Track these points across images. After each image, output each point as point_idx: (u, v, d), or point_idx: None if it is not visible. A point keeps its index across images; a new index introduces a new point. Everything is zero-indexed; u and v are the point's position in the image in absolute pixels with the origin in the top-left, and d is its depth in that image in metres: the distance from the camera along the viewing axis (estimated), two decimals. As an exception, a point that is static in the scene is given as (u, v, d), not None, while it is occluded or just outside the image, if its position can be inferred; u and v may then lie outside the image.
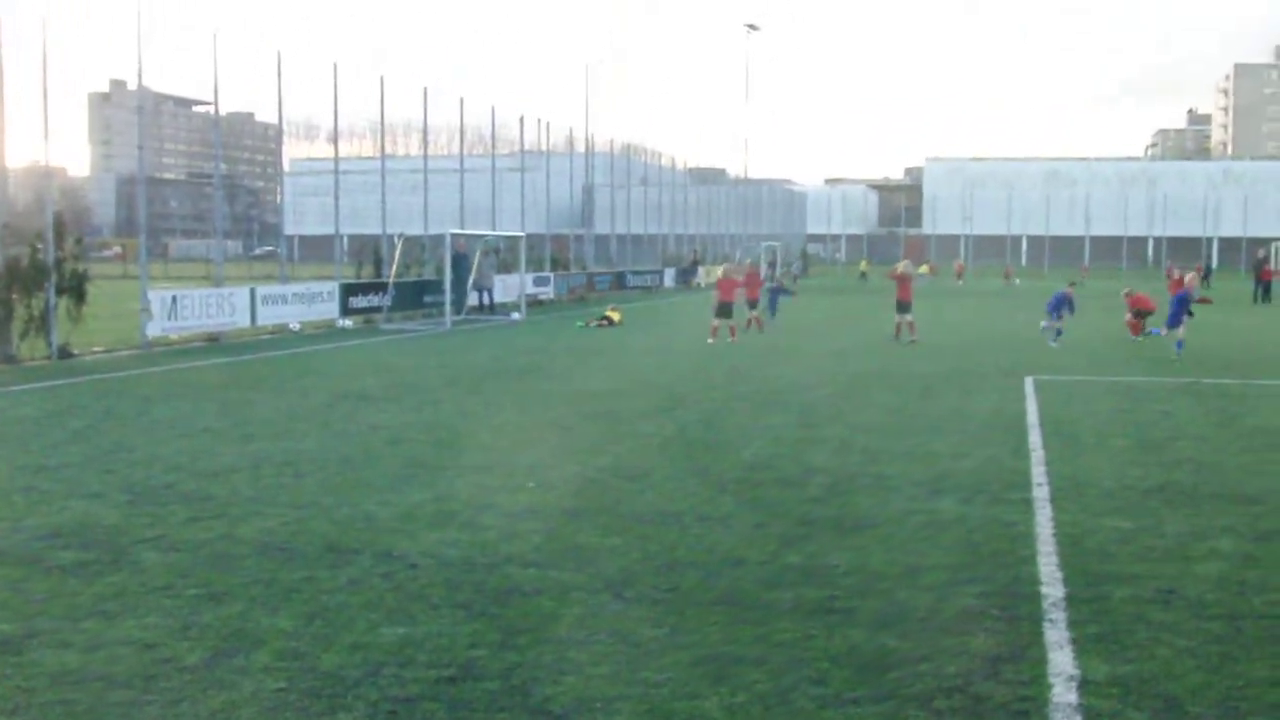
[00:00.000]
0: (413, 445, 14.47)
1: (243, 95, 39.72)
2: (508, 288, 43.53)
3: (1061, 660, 7.04)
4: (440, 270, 39.15)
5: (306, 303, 34.39)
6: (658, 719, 6.20)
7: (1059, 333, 29.75)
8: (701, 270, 70.98)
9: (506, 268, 44.58)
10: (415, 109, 42.03)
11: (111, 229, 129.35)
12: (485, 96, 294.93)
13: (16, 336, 24.41)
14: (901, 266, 31.96)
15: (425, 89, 42.16)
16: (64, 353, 25.14)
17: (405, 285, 39.44)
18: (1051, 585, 8.54)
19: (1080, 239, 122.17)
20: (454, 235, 38.52)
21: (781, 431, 15.67)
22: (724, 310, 30.39)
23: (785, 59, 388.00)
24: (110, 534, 9.98)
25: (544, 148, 53.19)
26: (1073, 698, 6.49)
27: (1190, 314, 27.33)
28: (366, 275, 40.06)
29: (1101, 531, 10.19)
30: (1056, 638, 7.43)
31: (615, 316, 37.44)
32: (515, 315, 39.74)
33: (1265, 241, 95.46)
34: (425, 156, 42.71)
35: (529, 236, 46.85)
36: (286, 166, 41.44)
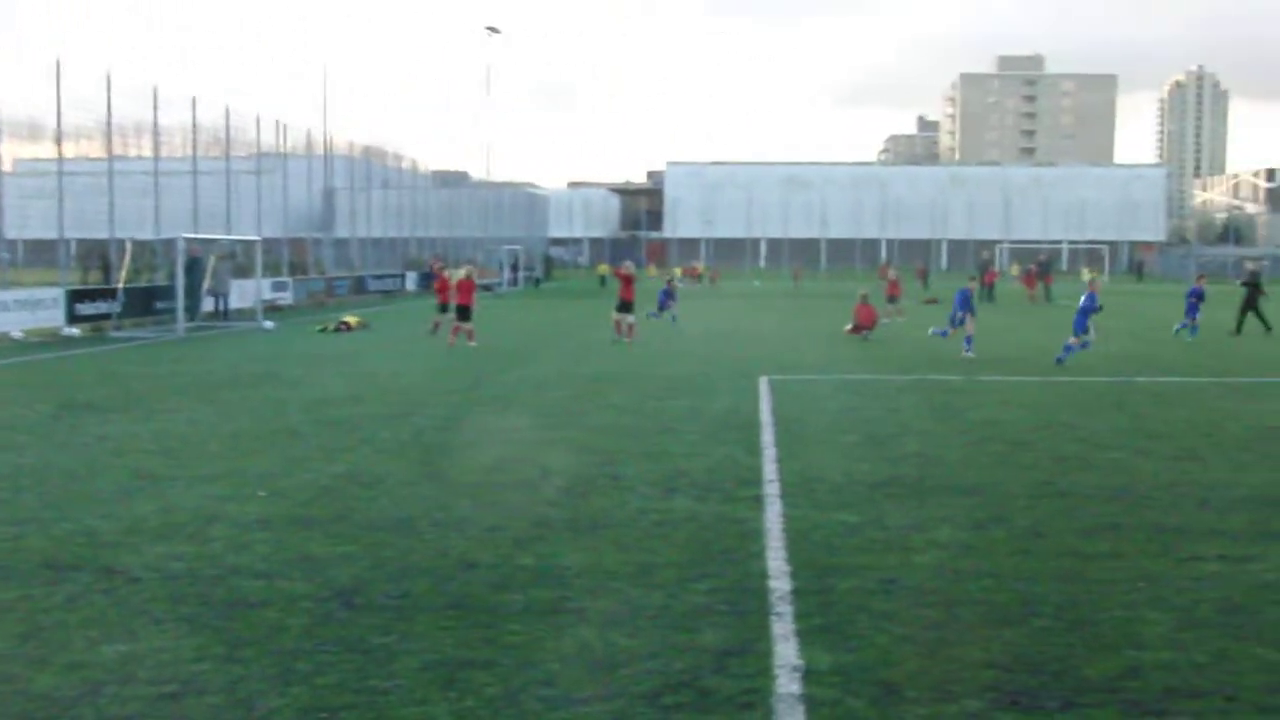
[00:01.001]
0: (140, 456, 14.01)
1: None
2: (244, 293, 42.56)
3: (786, 652, 7.20)
4: (173, 276, 38.03)
5: (29, 310, 33.03)
6: (384, 727, 6.14)
7: (964, 339, 28.21)
8: (446, 274, 70.45)
9: (243, 273, 43.59)
10: (146, 108, 40.80)
11: None
12: (220, 96, 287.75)
13: None
14: (628, 267, 32.62)
15: (155, 88, 41.02)
16: None
17: (136, 291, 38.16)
18: (779, 579, 8.72)
19: (817, 241, 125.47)
20: (187, 240, 37.46)
21: (519, 434, 15.69)
22: (463, 313, 30.49)
23: (527, 62, 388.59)
24: None
25: (282, 149, 52.18)
26: (796, 688, 6.64)
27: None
28: (94, 281, 38.68)
29: (828, 525, 10.46)
30: (782, 630, 7.60)
31: (354, 321, 36.92)
32: (268, 324, 38.70)
33: (990, 244, 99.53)
34: (156, 158, 41.48)
35: (266, 240, 45.91)
36: (8, 166, 39.73)
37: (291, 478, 12.66)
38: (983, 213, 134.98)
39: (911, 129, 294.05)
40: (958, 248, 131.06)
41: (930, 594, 8.43)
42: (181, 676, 6.79)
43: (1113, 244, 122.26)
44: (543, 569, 9.01)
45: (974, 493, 12.00)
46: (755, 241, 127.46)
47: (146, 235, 40.39)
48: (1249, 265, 40.16)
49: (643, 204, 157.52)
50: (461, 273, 32.87)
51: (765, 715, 6.30)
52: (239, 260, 43.88)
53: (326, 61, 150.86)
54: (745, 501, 11.47)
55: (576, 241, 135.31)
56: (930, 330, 30.76)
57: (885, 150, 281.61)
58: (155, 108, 40.90)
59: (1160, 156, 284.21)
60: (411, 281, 66.65)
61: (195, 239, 39.17)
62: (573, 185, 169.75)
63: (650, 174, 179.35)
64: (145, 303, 38.52)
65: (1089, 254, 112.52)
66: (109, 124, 38.50)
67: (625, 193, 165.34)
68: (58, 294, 34.65)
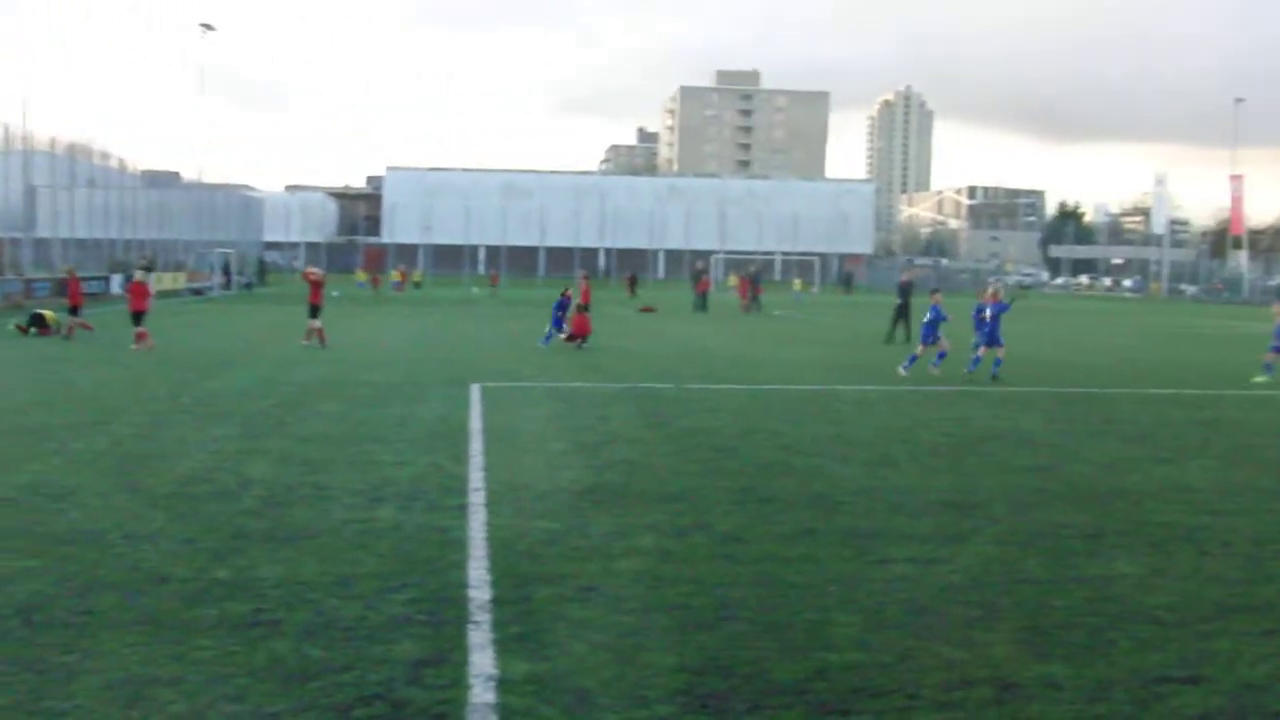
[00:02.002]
0: None
1: None
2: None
3: (482, 661, 7.19)
4: None
5: None
6: (59, 749, 5.92)
7: (942, 355, 27.12)
8: (153, 277, 68.31)
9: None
10: None
11: None
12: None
13: None
14: (314, 272, 32.53)
15: None
16: None
17: None
18: (479, 588, 8.71)
19: (536, 249, 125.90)
20: None
21: (222, 444, 15.25)
22: (137, 319, 30.76)
23: (242, 61, 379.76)
24: None
25: (-24, 145, 49.78)
26: (490, 697, 6.65)
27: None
28: None
29: (532, 534, 10.49)
30: (480, 639, 7.59)
31: (50, 315, 35.21)
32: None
33: (705, 254, 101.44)
34: None
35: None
36: None
37: (-26, 489, 12.08)
38: (699, 223, 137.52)
39: (632, 139, 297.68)
40: (673, 257, 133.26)
41: (628, 601, 8.53)
42: None
43: (823, 256, 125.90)
44: (238, 581, 8.81)
45: (678, 499, 12.20)
46: (474, 248, 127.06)
47: None
48: (903, 276, 41.69)
49: (361, 209, 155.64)
50: (137, 276, 32.41)
51: (458, 725, 6.29)
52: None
53: (29, 53, 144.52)
54: (450, 510, 11.42)
55: (293, 246, 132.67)
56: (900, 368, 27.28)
57: (606, 160, 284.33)
58: None
59: (869, 172, 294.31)
60: (117, 284, 64.37)
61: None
62: (291, 189, 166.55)
63: (370, 179, 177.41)
64: None
65: (800, 265, 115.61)
66: None
67: (344, 197, 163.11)
68: None
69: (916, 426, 18.15)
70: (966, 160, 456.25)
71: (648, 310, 58.33)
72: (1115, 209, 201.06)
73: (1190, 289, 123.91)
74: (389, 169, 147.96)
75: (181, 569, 9.12)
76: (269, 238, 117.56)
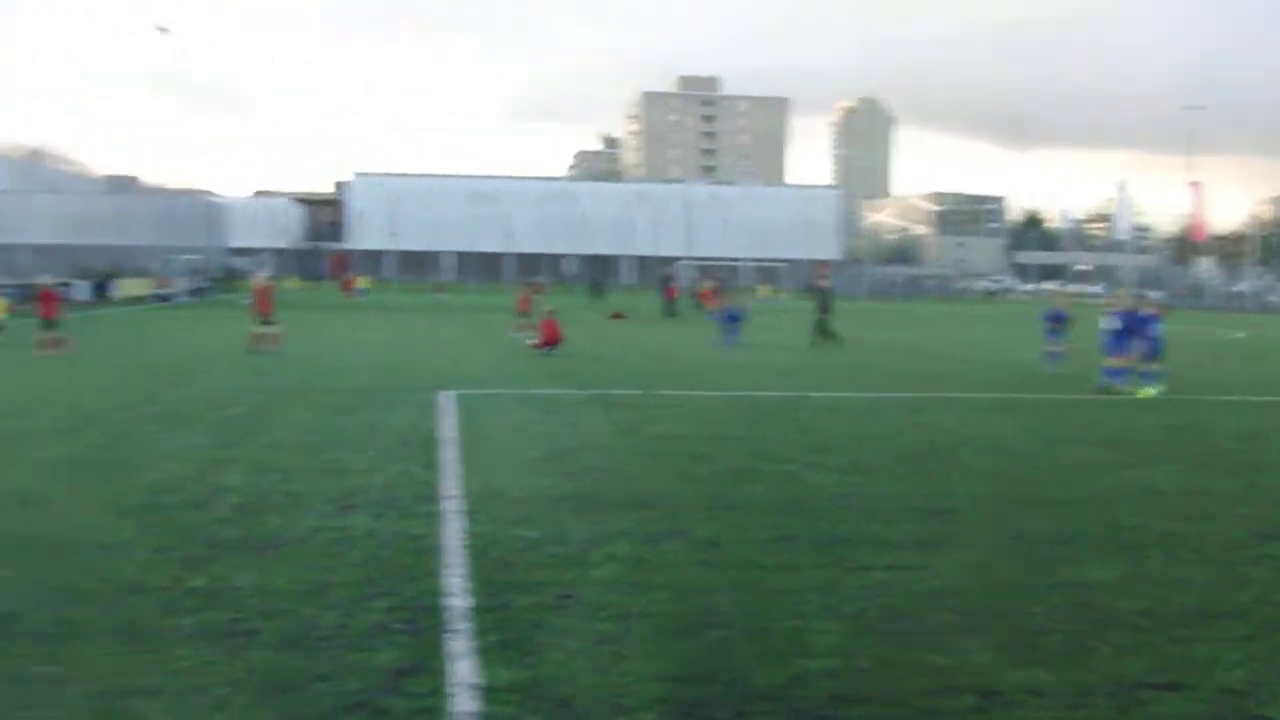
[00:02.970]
0: None
1: None
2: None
3: (463, 670, 7.18)
4: None
5: None
6: (39, 761, 5.87)
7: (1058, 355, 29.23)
8: (115, 284, 68.05)
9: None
10: None
11: None
12: None
13: None
14: (261, 280, 32.76)
15: None
16: None
17: None
18: (457, 596, 8.69)
19: (503, 255, 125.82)
20: None
21: (193, 451, 15.15)
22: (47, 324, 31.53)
23: (203, 65, 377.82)
24: None
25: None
26: (472, 705, 6.64)
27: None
28: None
29: (508, 541, 10.47)
30: (459, 648, 7.57)
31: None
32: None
33: (672, 260, 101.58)
34: None
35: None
36: None
37: (-57, 498, 11.99)
38: (667, 229, 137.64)
39: (597, 145, 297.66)
40: (642, 263, 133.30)
41: (607, 608, 8.52)
42: None
43: (792, 262, 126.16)
44: (214, 590, 8.76)
45: (653, 506, 12.19)
46: (442, 254, 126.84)
47: None
48: (821, 283, 41.92)
49: (327, 215, 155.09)
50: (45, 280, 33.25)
51: (440, 734, 6.28)
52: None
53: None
54: (425, 518, 11.38)
55: (259, 251, 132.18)
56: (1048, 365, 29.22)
57: (574, 166, 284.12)
58: None
59: (834, 178, 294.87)
60: (84, 291, 64.02)
61: None
62: (259, 194, 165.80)
63: (338, 185, 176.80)
64: None
65: (767, 271, 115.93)
66: None
67: (309, 203, 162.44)
68: None
69: (888, 433, 18.20)
70: (929, 166, 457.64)
71: (618, 316, 58.31)
72: (1080, 215, 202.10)
73: (1156, 294, 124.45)
74: (355, 174, 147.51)
75: (157, 578, 9.07)
76: (235, 244, 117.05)
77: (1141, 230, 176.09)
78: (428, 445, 15.95)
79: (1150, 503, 13.02)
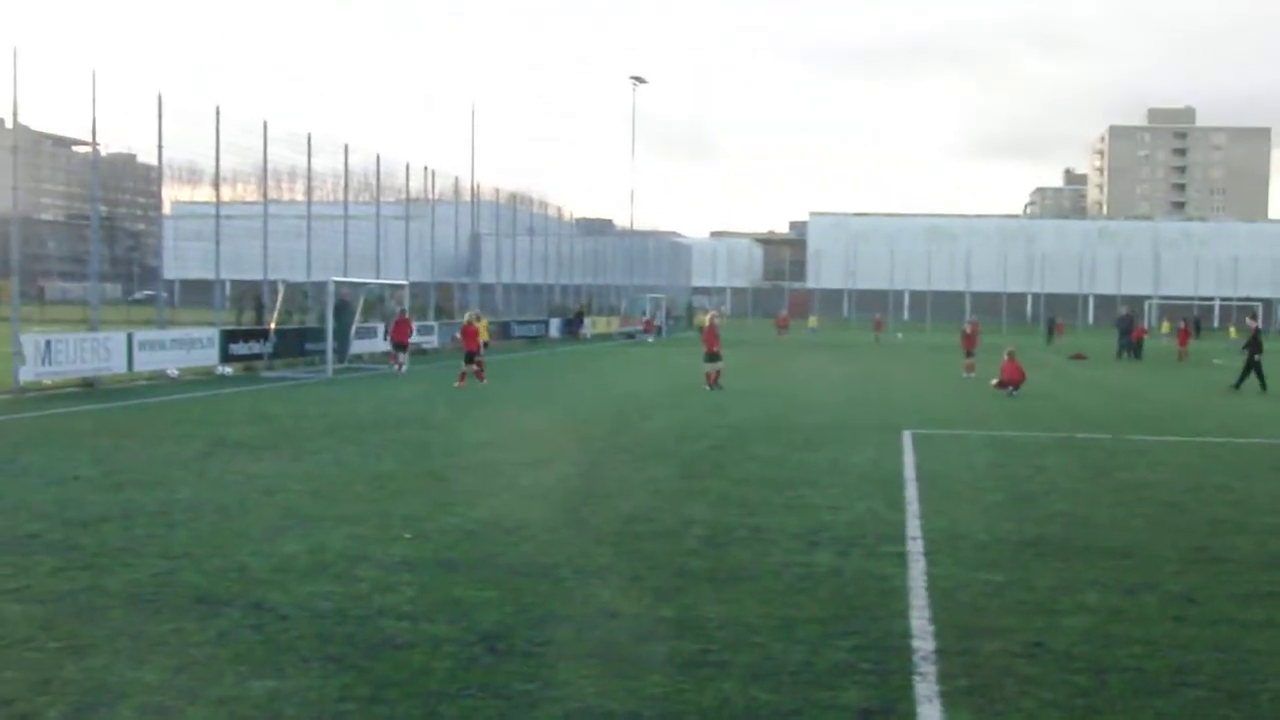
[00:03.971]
0: (289, 495, 14.28)
1: (125, 136, 39.19)
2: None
3: (930, 713, 7.11)
4: (323, 318, 38.78)
5: (185, 349, 33.87)
6: (526, 774, 6.16)
7: None
8: (588, 322, 71.14)
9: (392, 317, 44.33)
10: (299, 155, 41.71)
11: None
12: (370, 144, 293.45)
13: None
14: (709, 318, 33.26)
15: (309, 135, 41.90)
16: (-69, 397, 24.53)
17: (287, 332, 39.02)
18: (922, 639, 8.61)
19: (961, 294, 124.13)
20: (337, 283, 38.20)
21: (661, 483, 15.67)
22: (469, 357, 33.12)
23: (672, 111, 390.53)
24: (-29, 585, 9.73)
25: (430, 195, 53.05)
26: (940, 751, 6.55)
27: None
28: (248, 321, 39.59)
29: (973, 585, 10.31)
30: (926, 691, 7.50)
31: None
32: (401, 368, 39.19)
33: (1139, 299, 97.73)
34: (309, 202, 42.36)
35: (413, 285, 46.66)
36: (167, 209, 40.86)
37: (435, 521, 12.80)
38: (1131, 267, 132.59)
39: (1058, 182, 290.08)
40: (1104, 302, 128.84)
41: (1078, 659, 8.26)
42: (327, 715, 6.89)
43: (1268, 301, 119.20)
44: (684, 620, 8.99)
45: (1124, 555, 11.74)
46: (899, 293, 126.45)
47: (298, 277, 41.24)
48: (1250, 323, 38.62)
49: (785, 254, 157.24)
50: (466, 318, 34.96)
51: (909, 777, 6.23)
52: (388, 304, 44.52)
53: (474, 109, 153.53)
54: (888, 557, 11.35)
55: (720, 291, 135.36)
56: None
57: (1031, 203, 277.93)
58: (309, 154, 41.79)
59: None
60: (555, 328, 67.21)
61: (345, 282, 39.92)
62: (716, 235, 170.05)
63: (793, 224, 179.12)
64: (296, 344, 39.31)
65: (1240, 310, 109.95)
66: (265, 169, 39.45)
67: (768, 243, 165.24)
68: (213, 334, 35.52)
69: (1384, 486, 16.91)
70: None
71: (1079, 357, 56.63)
72: None
73: None
74: (812, 214, 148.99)
75: (630, 605, 9.40)
76: (696, 283, 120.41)
77: None
78: (890, 484, 15.90)
79: None
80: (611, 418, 24.17)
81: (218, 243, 36.74)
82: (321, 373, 36.03)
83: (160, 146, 34.00)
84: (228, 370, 35.11)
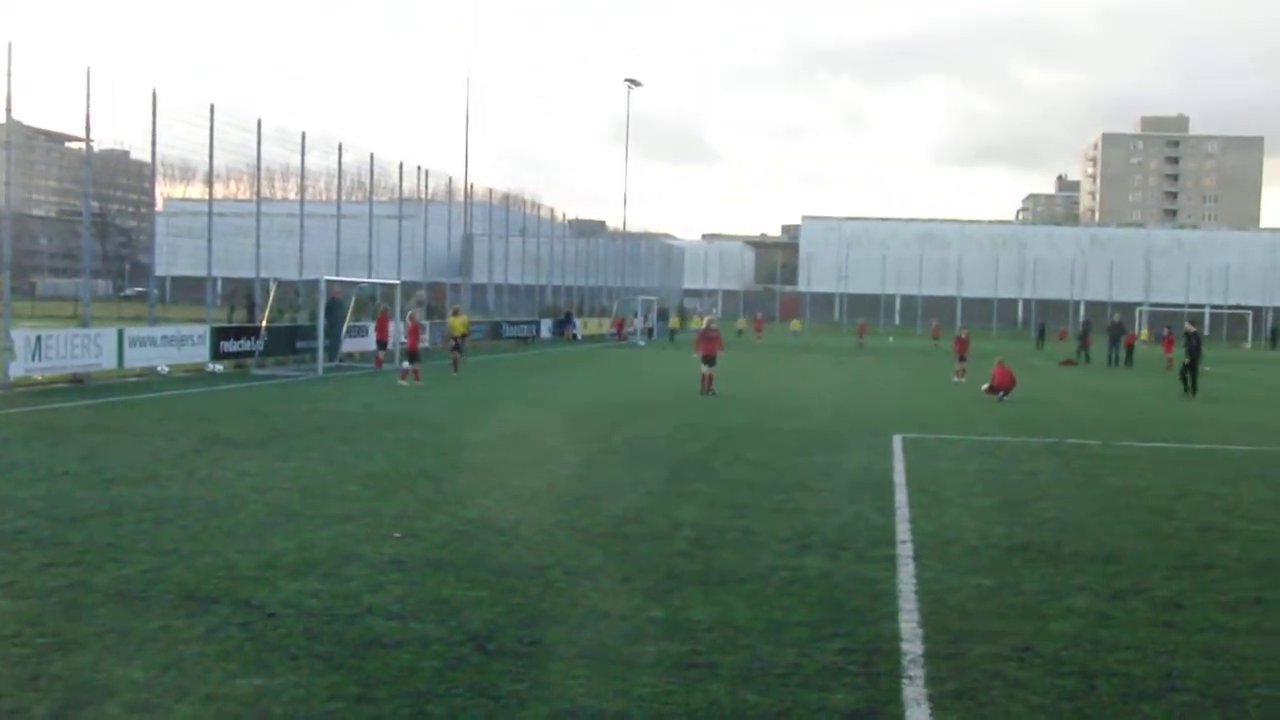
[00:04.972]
0: (278, 493, 14.27)
1: (119, 133, 39.17)
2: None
3: (918, 716, 7.12)
4: (314, 316, 38.76)
5: (176, 345, 33.83)
6: (515, 774, 6.16)
7: None
8: (579, 323, 71.14)
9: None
10: (293, 153, 41.69)
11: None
12: (364, 142, 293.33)
13: None
14: (706, 321, 33.77)
15: (303, 133, 41.88)
16: (-80, 392, 24.48)
17: (278, 330, 38.97)
18: (911, 642, 8.62)
19: (952, 299, 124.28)
20: (329, 281, 38.18)
21: (652, 486, 15.68)
22: (414, 357, 33.77)
23: (666, 115, 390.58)
24: (-41, 580, 9.71)
25: (423, 195, 53.00)
26: (928, 754, 6.56)
27: None
28: (239, 319, 39.55)
29: (963, 589, 10.32)
30: (914, 694, 7.51)
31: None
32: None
33: (1130, 306, 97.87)
34: (302, 201, 42.34)
35: (405, 284, 46.64)
36: (160, 206, 40.86)
37: (425, 520, 12.80)
38: (1123, 275, 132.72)
39: (1050, 189, 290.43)
40: (1096, 309, 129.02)
41: (1066, 664, 8.27)
42: (315, 713, 6.88)
43: (1258, 309, 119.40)
44: (674, 622, 8.99)
45: (1113, 560, 11.77)
46: (890, 298, 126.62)
47: (290, 276, 41.22)
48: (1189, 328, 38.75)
49: (778, 258, 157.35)
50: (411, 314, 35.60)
51: (897, 780, 6.24)
52: (378, 303, 44.51)
53: (468, 109, 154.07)
54: (878, 561, 11.35)
55: (711, 293, 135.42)
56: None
57: (1024, 209, 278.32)
58: (302, 153, 41.77)
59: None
60: (546, 329, 67.19)
61: (337, 281, 39.90)
62: (708, 237, 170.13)
63: (785, 228, 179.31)
64: (287, 342, 39.28)
65: (1231, 319, 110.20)
66: (258, 167, 39.44)
67: (760, 246, 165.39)
68: (204, 331, 35.48)
69: (1373, 494, 16.94)
70: None
71: (1069, 363, 56.75)
72: None
73: None
74: (805, 218, 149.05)
75: (620, 606, 9.40)
76: (688, 285, 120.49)
77: None
78: (881, 488, 15.92)
79: None
80: (603, 419, 24.16)
81: (210, 240, 36.72)
82: (312, 371, 36.01)
83: (154, 143, 34.06)
84: (218, 367, 35.06)
